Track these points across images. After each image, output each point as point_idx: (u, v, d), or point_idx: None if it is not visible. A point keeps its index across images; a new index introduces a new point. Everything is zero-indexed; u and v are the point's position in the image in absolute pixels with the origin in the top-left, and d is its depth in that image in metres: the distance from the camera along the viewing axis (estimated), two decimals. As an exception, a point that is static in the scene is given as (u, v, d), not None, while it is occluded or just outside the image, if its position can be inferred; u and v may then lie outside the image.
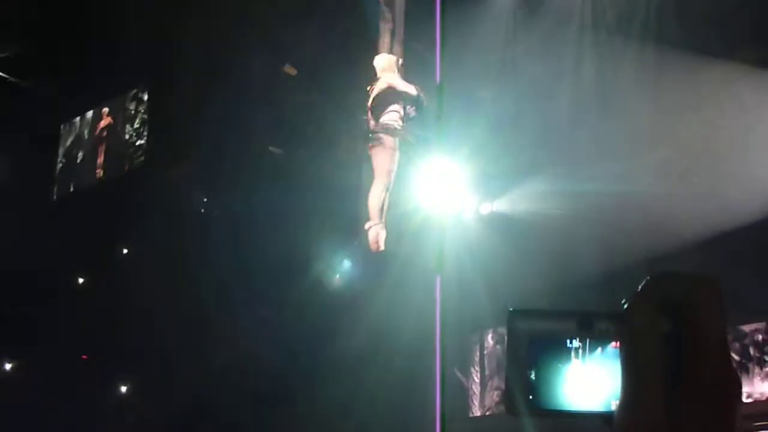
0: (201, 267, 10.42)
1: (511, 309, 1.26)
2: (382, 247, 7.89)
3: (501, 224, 10.99)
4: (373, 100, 8.29)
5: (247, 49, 10.11)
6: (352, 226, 10.36)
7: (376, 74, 8.40)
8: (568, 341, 1.21)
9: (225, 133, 10.45)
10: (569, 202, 10.42)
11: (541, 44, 10.82)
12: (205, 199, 10.92)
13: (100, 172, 11.69)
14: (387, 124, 8.18)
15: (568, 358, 1.19)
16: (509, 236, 10.78)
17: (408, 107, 8.22)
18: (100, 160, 11.75)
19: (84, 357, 10.79)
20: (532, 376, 1.18)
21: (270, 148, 10.77)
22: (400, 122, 8.20)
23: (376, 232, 7.93)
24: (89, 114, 11.89)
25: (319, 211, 10.67)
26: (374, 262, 9.76)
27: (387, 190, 8.04)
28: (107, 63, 10.36)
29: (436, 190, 9.29)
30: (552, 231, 10.52)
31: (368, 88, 8.36)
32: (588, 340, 1.22)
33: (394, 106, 8.22)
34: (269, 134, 10.77)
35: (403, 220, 9.02)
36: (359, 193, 8.54)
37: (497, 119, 10.79)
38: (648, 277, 1.18)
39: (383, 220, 7.87)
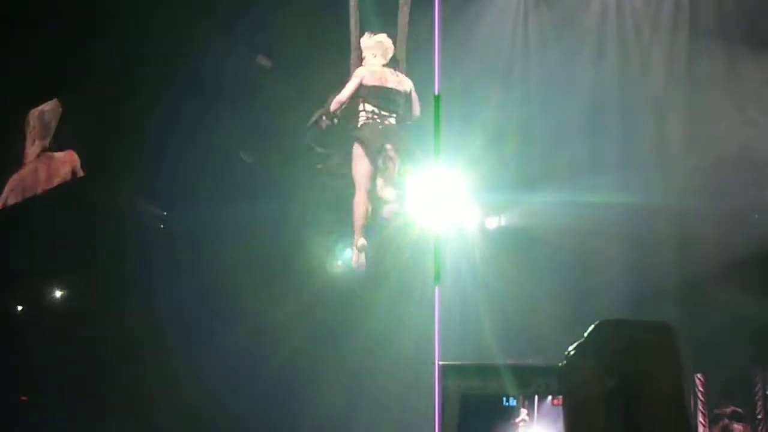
0: (159, 289, 10.48)
1: (441, 363, 1.51)
2: (363, 265, 8.11)
3: (509, 240, 11.08)
4: (356, 91, 8.25)
5: (208, 37, 10.12)
6: (334, 239, 10.70)
7: (362, 58, 8.36)
8: (505, 399, 1.47)
9: (185, 138, 10.38)
10: (587, 216, 10.45)
11: (554, 37, 10.87)
12: (164, 213, 11.01)
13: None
14: (366, 124, 8.19)
15: (504, 417, 1.45)
16: (518, 253, 10.87)
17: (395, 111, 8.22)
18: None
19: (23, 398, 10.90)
20: None
21: (241, 154, 10.82)
22: (383, 120, 8.20)
23: (358, 250, 8.15)
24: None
25: (298, 224, 10.90)
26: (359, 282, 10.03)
27: (370, 199, 8.19)
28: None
29: (434, 200, 9.45)
30: (567, 249, 10.66)
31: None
32: (526, 398, 1.49)
33: (374, 102, 8.22)
34: (239, 138, 10.80)
35: (401, 232, 9.20)
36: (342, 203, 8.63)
37: (503, 123, 10.96)
38: (592, 326, 1.35)
39: (364, 233, 8.13)
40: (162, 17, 10.17)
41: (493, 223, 11.28)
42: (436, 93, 7.96)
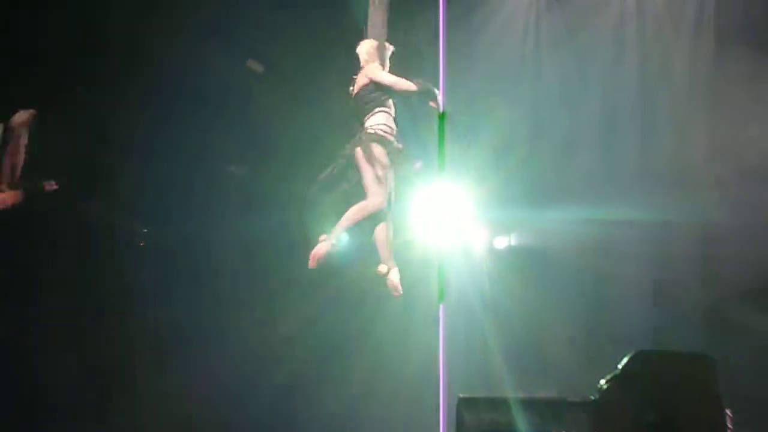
0: (155, 303, 10.48)
1: (460, 396, 1.19)
2: (401, 290, 7.98)
3: (519, 259, 10.86)
4: (354, 98, 8.05)
5: (195, 41, 10.00)
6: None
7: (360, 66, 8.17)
8: None
9: (169, 147, 10.26)
10: (602, 233, 10.30)
11: (569, 37, 10.70)
12: (144, 230, 10.76)
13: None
14: (375, 128, 7.95)
15: None
16: (528, 273, 10.65)
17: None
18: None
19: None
20: None
21: (229, 166, 10.68)
22: (391, 127, 8.02)
23: (393, 274, 8.00)
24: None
25: (295, 244, 10.13)
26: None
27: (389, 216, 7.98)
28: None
29: (438, 217, 9.48)
30: (580, 269, 10.43)
31: (350, 88, 8.11)
32: None
33: (383, 107, 8.00)
34: (228, 148, 10.62)
35: (405, 249, 9.21)
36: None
37: (513, 131, 10.73)
38: (627, 358, 1.18)
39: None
40: (149, 20, 10.11)
41: (503, 241, 11.10)
42: (441, 110, 7.93)
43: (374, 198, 7.87)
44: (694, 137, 10.22)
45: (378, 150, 7.85)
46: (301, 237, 9.94)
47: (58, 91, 9.91)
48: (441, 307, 8.46)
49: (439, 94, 7.88)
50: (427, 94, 7.88)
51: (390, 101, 7.99)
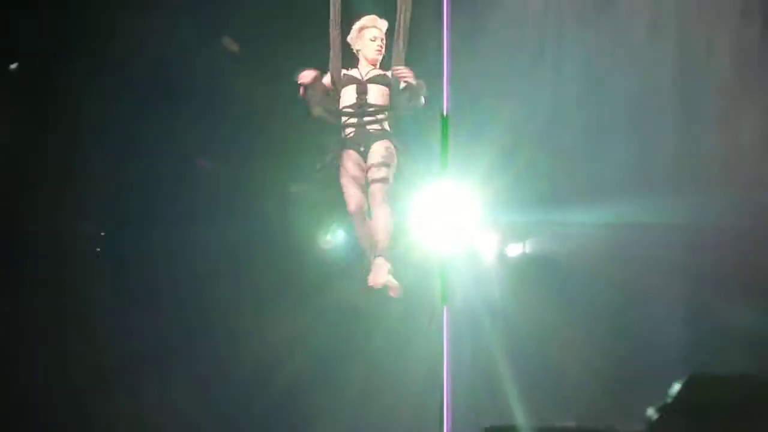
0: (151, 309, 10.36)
1: (486, 428, 1.03)
2: (383, 283, 7.63)
3: (533, 268, 10.66)
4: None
5: (163, 27, 9.89)
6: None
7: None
8: None
9: (129, 140, 10.21)
10: (629, 239, 10.02)
11: (595, 14, 10.30)
12: (102, 234, 10.67)
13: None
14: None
15: None
16: (543, 284, 10.41)
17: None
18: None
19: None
20: None
21: (198, 161, 10.47)
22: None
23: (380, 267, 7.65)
24: None
25: (274, 249, 10.52)
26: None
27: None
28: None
29: (440, 219, 9.47)
30: (603, 279, 10.08)
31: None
32: None
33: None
34: (197, 141, 10.38)
35: (406, 252, 9.25)
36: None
37: (527, 126, 10.37)
38: (680, 384, 1.50)
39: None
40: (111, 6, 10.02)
41: (515, 248, 10.91)
42: (445, 113, 7.96)
43: (347, 203, 7.65)
44: (740, 130, 9.99)
45: (349, 154, 7.63)
46: (303, 238, 10.74)
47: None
48: (444, 309, 8.55)
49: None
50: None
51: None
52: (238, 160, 10.61)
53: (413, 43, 7.85)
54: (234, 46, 10.07)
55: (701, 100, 10.06)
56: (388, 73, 7.54)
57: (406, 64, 7.64)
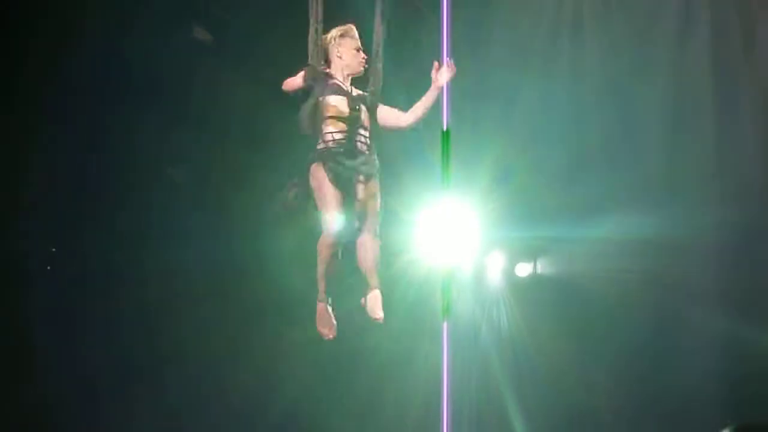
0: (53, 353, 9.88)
1: None
2: (381, 315, 7.30)
3: (544, 290, 10.55)
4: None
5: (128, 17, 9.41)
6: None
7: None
8: None
9: (87, 143, 9.73)
10: (662, 259, 9.73)
11: (592, 36, 10.05)
12: (53, 250, 10.21)
13: None
14: (322, 142, 7.16)
15: None
16: (555, 307, 10.31)
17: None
18: None
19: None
20: None
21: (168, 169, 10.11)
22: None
23: (374, 298, 7.29)
24: None
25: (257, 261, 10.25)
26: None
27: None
28: None
29: (442, 235, 9.59)
30: (632, 305, 9.86)
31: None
32: None
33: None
34: (167, 140, 9.89)
35: (407, 270, 9.50)
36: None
37: (534, 129, 10.17)
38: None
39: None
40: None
41: (526, 269, 10.74)
42: (445, 128, 7.86)
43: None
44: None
45: (319, 172, 7.19)
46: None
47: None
48: (444, 324, 8.71)
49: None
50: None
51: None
52: (206, 169, 10.42)
53: (413, 59, 8.00)
54: (206, 36, 9.83)
55: (742, 96, 9.71)
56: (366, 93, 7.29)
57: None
